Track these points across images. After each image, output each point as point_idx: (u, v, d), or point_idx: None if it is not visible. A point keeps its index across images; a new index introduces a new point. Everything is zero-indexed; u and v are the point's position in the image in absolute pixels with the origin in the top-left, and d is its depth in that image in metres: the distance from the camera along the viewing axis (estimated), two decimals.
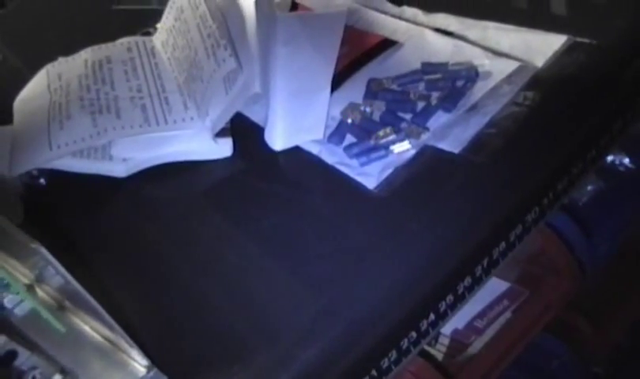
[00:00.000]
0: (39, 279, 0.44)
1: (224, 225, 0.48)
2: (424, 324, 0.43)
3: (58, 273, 0.36)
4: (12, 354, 0.42)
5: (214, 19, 0.51)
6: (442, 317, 0.43)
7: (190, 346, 0.42)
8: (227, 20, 0.51)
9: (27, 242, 0.34)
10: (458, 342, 0.59)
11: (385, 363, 0.42)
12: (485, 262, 0.45)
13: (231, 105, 0.50)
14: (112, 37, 0.61)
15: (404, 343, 0.42)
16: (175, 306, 0.44)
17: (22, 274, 0.45)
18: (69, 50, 0.60)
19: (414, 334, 0.42)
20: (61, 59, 0.59)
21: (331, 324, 0.41)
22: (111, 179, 0.52)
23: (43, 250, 0.34)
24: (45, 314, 0.43)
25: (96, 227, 0.50)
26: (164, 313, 0.44)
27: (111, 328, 0.39)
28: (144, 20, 0.69)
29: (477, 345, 0.58)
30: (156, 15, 0.70)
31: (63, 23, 0.73)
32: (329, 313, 0.41)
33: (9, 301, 0.45)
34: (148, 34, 0.64)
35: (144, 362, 0.40)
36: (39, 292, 0.45)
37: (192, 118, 0.51)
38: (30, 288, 0.45)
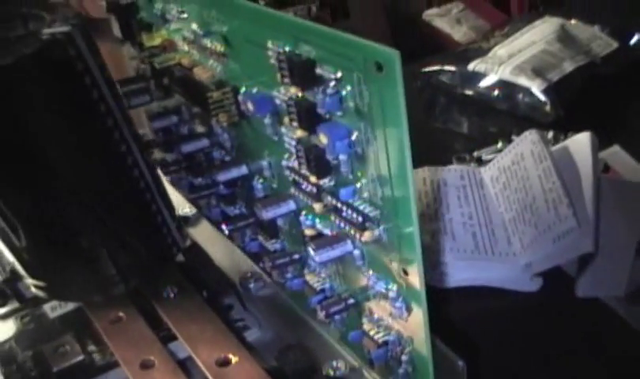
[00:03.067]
0: None
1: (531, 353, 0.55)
2: None
3: None
4: None
5: (557, 176, 0.58)
6: None
7: None
8: (565, 179, 0.59)
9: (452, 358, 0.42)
10: None
11: None
12: None
13: (556, 256, 0.57)
14: (425, 153, 0.70)
15: None
16: None
17: None
18: None
19: None
20: None
21: None
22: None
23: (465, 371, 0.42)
24: None
25: None
26: None
27: None
28: (454, 143, 0.78)
29: None
30: (465, 139, 0.80)
31: None
32: None
33: None
34: (463, 160, 0.73)
35: None
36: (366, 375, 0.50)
37: (514, 254, 0.59)
38: None
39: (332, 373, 0.50)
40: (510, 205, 0.61)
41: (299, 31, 0.41)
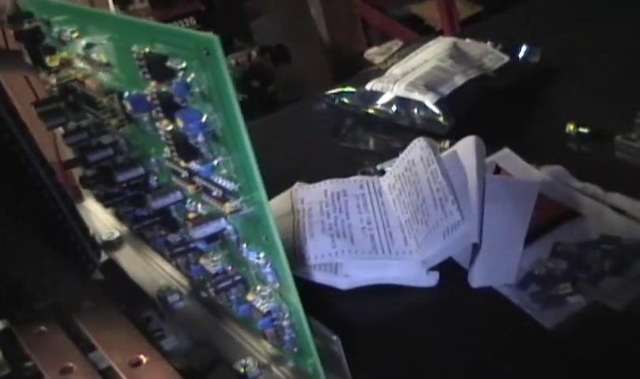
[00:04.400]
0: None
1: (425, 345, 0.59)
2: None
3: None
4: None
5: (443, 176, 0.63)
6: None
7: None
8: (451, 179, 0.63)
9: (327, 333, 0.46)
10: None
11: None
12: None
13: (447, 249, 0.61)
14: (334, 170, 0.75)
15: None
16: None
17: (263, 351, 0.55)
18: (300, 177, 0.75)
19: None
20: (301, 185, 0.72)
21: None
22: (333, 289, 0.64)
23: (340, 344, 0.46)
24: None
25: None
26: None
27: None
28: (361, 160, 0.83)
29: None
30: (371, 155, 0.84)
31: (294, 152, 0.88)
32: None
33: None
34: (367, 173, 0.77)
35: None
36: (275, 370, 0.55)
37: (410, 252, 0.63)
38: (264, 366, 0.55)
39: (242, 370, 0.54)
40: (405, 208, 0.66)
41: (152, 32, 0.47)
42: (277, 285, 0.48)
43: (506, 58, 0.91)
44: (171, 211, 0.57)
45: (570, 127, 0.78)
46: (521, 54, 0.91)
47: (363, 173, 0.77)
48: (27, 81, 0.88)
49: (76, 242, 0.57)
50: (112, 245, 0.70)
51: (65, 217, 0.55)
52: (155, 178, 0.58)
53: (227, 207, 0.46)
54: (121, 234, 0.71)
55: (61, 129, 0.66)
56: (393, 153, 0.78)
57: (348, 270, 0.64)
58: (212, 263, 0.54)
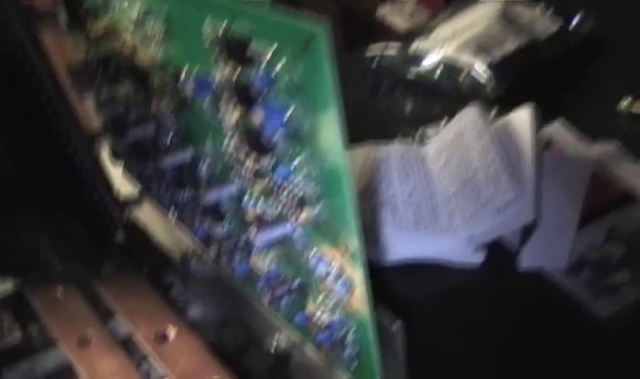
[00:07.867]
0: None
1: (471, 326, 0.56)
2: None
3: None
4: None
5: (497, 150, 0.59)
6: None
7: None
8: (505, 153, 0.59)
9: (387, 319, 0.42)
10: None
11: None
12: None
13: (497, 227, 0.57)
14: (371, 135, 0.70)
15: None
16: None
17: None
18: None
19: None
20: None
21: None
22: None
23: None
24: None
25: None
26: None
27: None
28: (399, 125, 0.78)
29: None
30: (410, 120, 0.80)
31: None
32: None
33: None
34: (407, 139, 0.73)
35: None
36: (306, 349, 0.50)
37: (456, 229, 0.59)
38: None
39: (272, 347, 0.50)
40: (451, 181, 0.62)
41: (233, 11, 0.41)
42: (347, 299, 0.43)
43: (557, 26, 0.86)
44: (222, 203, 0.52)
45: (623, 105, 0.75)
46: (573, 23, 0.87)
47: (403, 136, 0.72)
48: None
49: (99, 201, 0.52)
50: (131, 201, 0.66)
51: (89, 174, 0.51)
52: (205, 165, 0.53)
53: (304, 215, 0.41)
54: (142, 191, 0.66)
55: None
56: (433, 119, 0.75)
57: (388, 240, 0.60)
58: (265, 264, 0.49)
